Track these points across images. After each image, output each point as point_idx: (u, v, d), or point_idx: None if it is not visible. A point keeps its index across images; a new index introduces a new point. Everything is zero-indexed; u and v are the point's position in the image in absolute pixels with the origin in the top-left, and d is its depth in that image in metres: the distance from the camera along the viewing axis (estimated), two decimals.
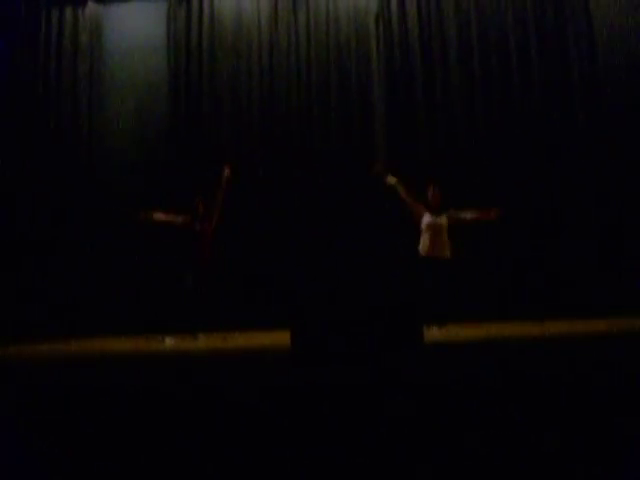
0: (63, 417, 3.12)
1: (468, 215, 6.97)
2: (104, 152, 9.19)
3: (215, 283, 7.28)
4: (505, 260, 8.08)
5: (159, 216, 7.27)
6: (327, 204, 8.50)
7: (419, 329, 3.80)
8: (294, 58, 9.03)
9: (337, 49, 8.95)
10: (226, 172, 7.29)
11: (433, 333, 5.98)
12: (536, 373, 3.31)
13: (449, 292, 6.68)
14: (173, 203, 7.95)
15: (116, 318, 8.25)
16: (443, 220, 6.88)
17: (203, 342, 6.50)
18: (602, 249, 7.96)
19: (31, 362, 5.01)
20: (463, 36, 8.67)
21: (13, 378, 3.98)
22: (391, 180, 7.10)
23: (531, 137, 8.30)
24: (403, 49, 8.76)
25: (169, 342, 6.54)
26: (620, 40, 8.37)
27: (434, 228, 6.83)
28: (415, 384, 3.21)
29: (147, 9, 9.49)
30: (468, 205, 7.07)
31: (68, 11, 9.46)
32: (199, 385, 3.45)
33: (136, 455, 2.88)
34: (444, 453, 2.75)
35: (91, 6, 9.45)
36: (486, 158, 8.31)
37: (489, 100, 8.51)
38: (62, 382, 3.68)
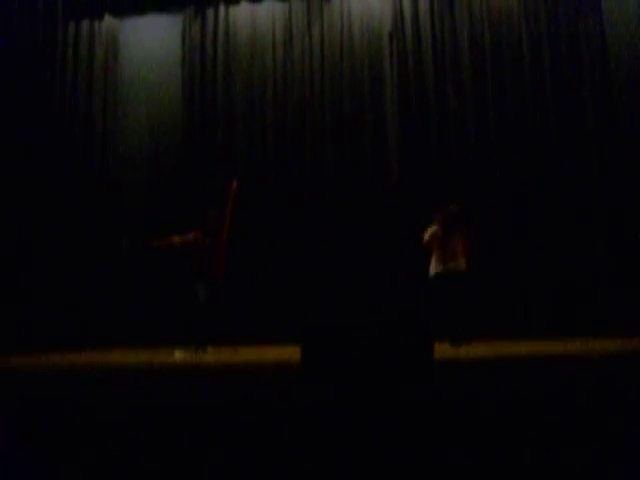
0: (66, 429, 3.12)
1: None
2: (117, 163, 9.25)
3: (226, 296, 7.28)
4: (517, 277, 8.04)
5: (174, 240, 7.25)
6: (340, 220, 8.50)
7: (430, 346, 3.77)
8: (308, 72, 9.09)
9: (351, 64, 8.99)
10: (233, 186, 7.29)
11: (443, 350, 5.94)
12: (544, 393, 3.28)
13: (461, 309, 6.64)
14: (185, 215, 8.01)
15: (126, 330, 8.26)
16: (459, 235, 6.85)
17: (212, 355, 6.49)
18: (616, 267, 7.90)
19: (32, 373, 5.02)
20: (476, 53, 8.69)
21: (18, 389, 3.99)
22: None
23: (545, 152, 8.29)
24: (416, 66, 8.79)
25: (178, 355, 6.53)
26: (632, 47, 8.38)
27: (447, 243, 6.78)
28: (424, 401, 3.19)
29: (163, 23, 9.59)
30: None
31: (85, 24, 9.57)
32: (207, 399, 3.44)
33: (140, 469, 2.87)
34: (450, 471, 2.73)
35: (108, 19, 9.55)
36: (499, 174, 8.30)
37: (502, 117, 8.50)
38: (69, 394, 3.68)
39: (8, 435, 3.07)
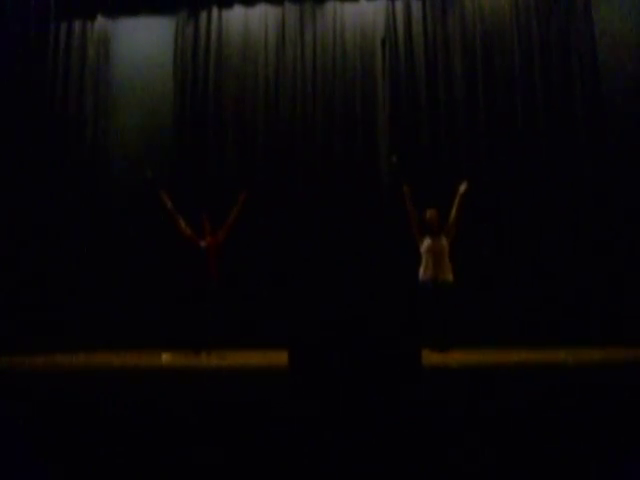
0: (55, 430, 3.09)
1: (453, 213, 6.92)
2: (109, 165, 9.21)
3: (219, 300, 7.28)
4: (506, 285, 8.05)
5: (179, 219, 7.34)
6: (329, 223, 8.50)
7: (418, 354, 3.76)
8: (300, 77, 9.09)
9: (343, 69, 9.00)
10: (242, 196, 7.39)
11: (432, 358, 5.92)
12: (531, 401, 3.28)
13: (450, 316, 6.64)
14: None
15: (114, 333, 8.21)
16: (443, 241, 6.84)
17: (200, 360, 6.46)
18: (604, 276, 7.92)
19: (25, 374, 4.98)
20: (468, 59, 8.72)
21: (9, 389, 3.96)
22: (404, 188, 7.05)
23: (537, 157, 8.31)
24: (408, 71, 8.80)
25: (165, 358, 6.50)
26: (624, 49, 8.44)
27: (434, 250, 6.78)
28: (411, 408, 3.18)
29: (155, 25, 9.57)
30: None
31: (77, 24, 9.52)
32: (195, 402, 3.42)
33: (128, 470, 2.85)
34: (437, 474, 2.72)
35: (100, 20, 9.52)
36: (491, 179, 8.32)
37: (493, 123, 8.53)
38: (56, 395, 3.65)
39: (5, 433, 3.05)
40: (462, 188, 6.97)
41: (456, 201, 6.94)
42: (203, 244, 7.27)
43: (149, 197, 8.08)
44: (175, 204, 7.57)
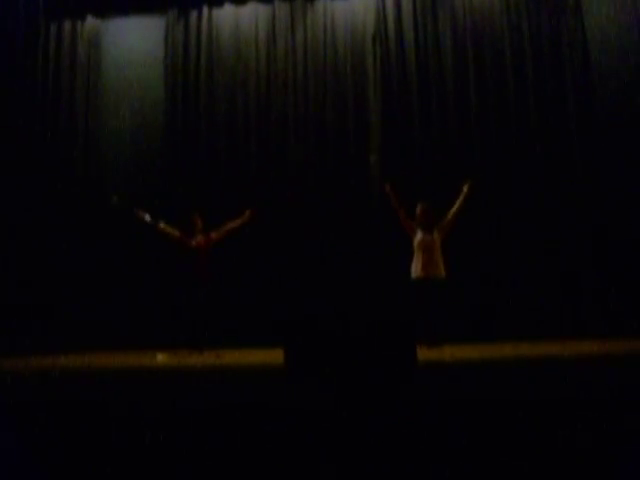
0: (54, 430, 3.09)
1: (452, 212, 6.91)
2: (100, 165, 9.19)
3: (210, 298, 7.28)
4: (500, 279, 8.07)
5: (161, 227, 7.34)
6: (322, 221, 8.50)
7: (413, 349, 3.78)
8: (291, 75, 9.08)
9: (334, 67, 9.00)
10: (249, 213, 7.38)
11: (426, 353, 5.93)
12: (527, 395, 3.30)
13: (443, 312, 6.64)
14: (169, 217, 7.97)
15: (108, 333, 8.19)
16: (435, 237, 6.83)
17: (195, 359, 6.46)
18: (596, 270, 7.95)
19: (24, 375, 4.98)
20: (459, 54, 8.73)
21: (9, 390, 3.95)
22: (386, 187, 7.05)
23: (527, 153, 8.33)
24: (399, 68, 8.81)
25: (161, 358, 6.50)
26: (614, 47, 8.45)
27: (426, 246, 6.77)
28: (407, 404, 3.20)
29: (145, 24, 9.54)
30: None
31: (67, 25, 9.48)
32: (190, 402, 3.42)
33: (127, 470, 2.85)
34: (432, 473, 2.74)
35: (90, 20, 9.48)
36: (482, 174, 8.32)
37: (485, 118, 8.54)
38: (51, 396, 3.65)
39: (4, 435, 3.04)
40: (466, 188, 6.96)
41: (459, 200, 6.93)
42: (194, 243, 7.28)
43: (143, 197, 8.09)
44: (158, 211, 7.55)
